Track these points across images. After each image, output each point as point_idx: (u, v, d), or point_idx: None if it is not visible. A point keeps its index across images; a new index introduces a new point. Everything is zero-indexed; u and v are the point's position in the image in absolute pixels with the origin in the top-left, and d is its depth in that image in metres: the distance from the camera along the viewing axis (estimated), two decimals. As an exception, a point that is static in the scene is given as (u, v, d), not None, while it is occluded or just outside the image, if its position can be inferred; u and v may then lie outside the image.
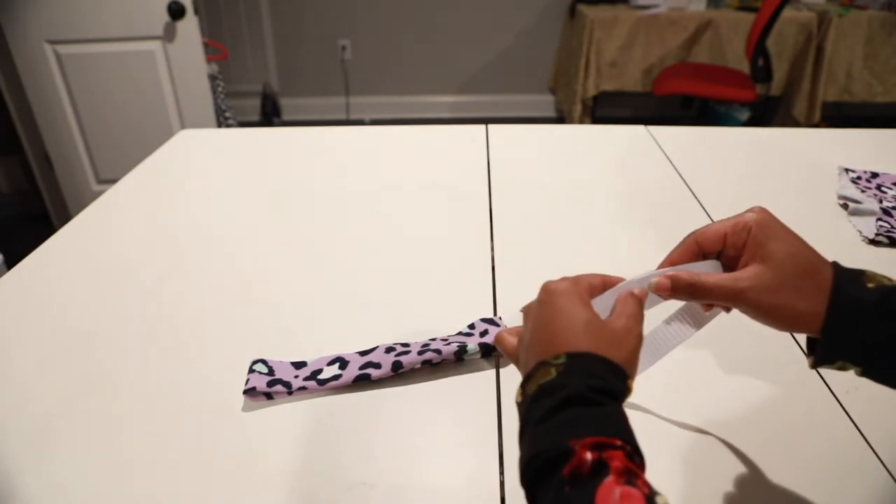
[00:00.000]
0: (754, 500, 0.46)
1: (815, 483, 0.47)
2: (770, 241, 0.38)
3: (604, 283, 0.42)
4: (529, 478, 0.32)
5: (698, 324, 0.45)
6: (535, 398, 0.35)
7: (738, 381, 0.58)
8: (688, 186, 0.97)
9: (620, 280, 0.42)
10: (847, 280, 0.37)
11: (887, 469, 0.49)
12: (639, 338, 0.38)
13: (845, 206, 0.90)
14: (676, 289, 0.40)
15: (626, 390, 0.35)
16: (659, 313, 0.46)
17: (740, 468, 0.48)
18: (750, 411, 0.54)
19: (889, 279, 0.37)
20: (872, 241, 0.81)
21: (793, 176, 1.02)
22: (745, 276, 0.38)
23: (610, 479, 0.29)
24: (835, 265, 0.38)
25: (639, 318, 0.39)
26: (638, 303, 0.39)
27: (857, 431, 0.52)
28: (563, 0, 3.32)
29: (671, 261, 0.42)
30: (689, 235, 0.42)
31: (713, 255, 0.42)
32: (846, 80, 2.91)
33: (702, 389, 0.57)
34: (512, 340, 0.43)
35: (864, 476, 0.48)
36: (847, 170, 1.00)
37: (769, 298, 0.37)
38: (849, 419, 0.53)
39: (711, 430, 0.52)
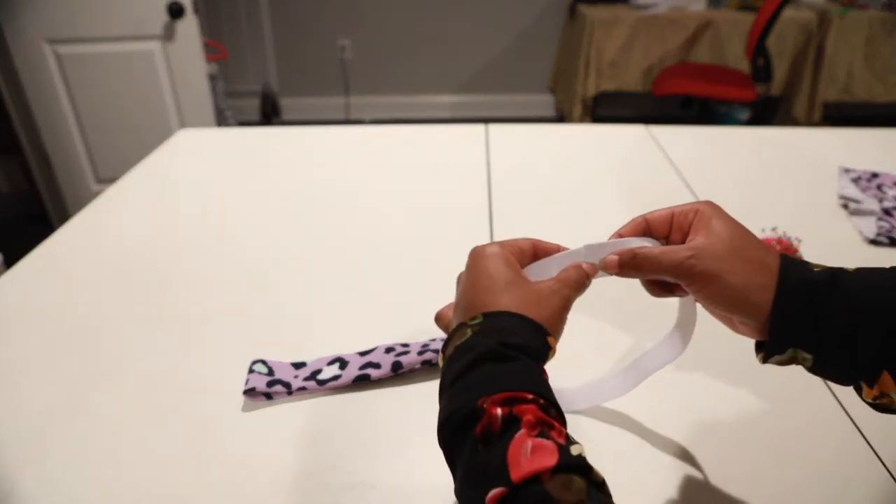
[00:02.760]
0: (755, 500, 0.46)
1: (815, 483, 0.47)
2: (715, 219, 0.38)
3: (534, 248, 0.41)
4: (445, 440, 0.32)
5: (680, 348, 0.45)
6: (451, 360, 0.34)
7: (739, 381, 0.58)
8: (688, 186, 0.97)
9: (552, 246, 0.42)
10: (794, 263, 0.37)
11: (887, 469, 0.49)
12: (564, 300, 0.37)
13: (845, 206, 0.90)
14: (624, 264, 0.39)
15: (547, 349, 0.35)
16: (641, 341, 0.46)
17: (741, 469, 0.48)
18: (750, 412, 0.54)
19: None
20: (872, 241, 0.81)
21: (793, 176, 1.02)
22: (691, 245, 0.37)
23: (521, 432, 0.28)
24: (781, 255, 0.38)
25: (571, 285, 0.38)
26: (579, 273, 0.39)
27: (857, 431, 0.52)
28: (563, 0, 3.32)
29: (619, 235, 0.42)
30: (639, 216, 0.43)
31: (660, 236, 0.42)
32: (846, 80, 2.91)
33: (701, 391, 0.57)
34: (449, 314, 0.41)
35: (864, 476, 0.48)
36: (847, 170, 1.00)
37: (716, 265, 0.36)
38: (849, 419, 0.53)
39: (712, 431, 0.52)
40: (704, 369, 0.59)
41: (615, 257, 0.40)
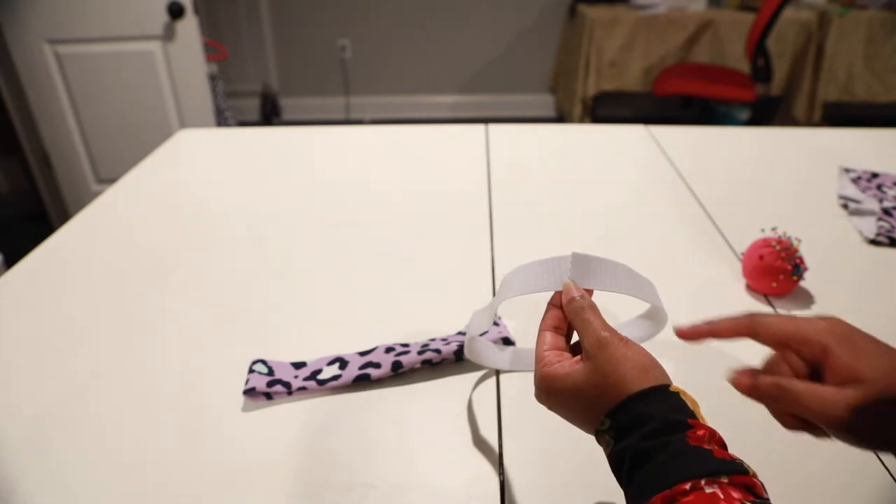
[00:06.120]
0: (754, 500, 0.46)
1: (815, 483, 0.47)
2: (858, 360, 0.33)
3: (555, 324, 0.43)
4: None
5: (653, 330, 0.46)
6: (616, 471, 0.35)
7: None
8: (688, 186, 0.97)
9: (556, 312, 0.44)
10: None
11: (888, 469, 0.49)
12: (618, 343, 0.37)
13: (845, 206, 0.90)
14: (760, 393, 0.37)
15: (677, 397, 0.35)
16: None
17: (740, 468, 0.48)
18: (750, 412, 0.54)
19: None
20: (872, 241, 0.81)
21: (793, 176, 1.02)
22: (843, 398, 0.32)
23: None
24: None
25: (595, 338, 0.37)
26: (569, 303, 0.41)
27: (857, 431, 0.52)
28: (563, 0, 3.32)
29: (714, 330, 0.40)
30: (745, 315, 0.39)
31: (770, 346, 0.39)
32: (846, 80, 2.91)
33: (700, 391, 0.57)
34: (553, 362, 0.39)
35: (864, 476, 0.48)
36: (847, 170, 1.00)
37: (874, 422, 0.32)
38: (849, 419, 0.53)
39: (711, 430, 0.52)
40: (703, 370, 0.59)
41: (747, 380, 0.38)
